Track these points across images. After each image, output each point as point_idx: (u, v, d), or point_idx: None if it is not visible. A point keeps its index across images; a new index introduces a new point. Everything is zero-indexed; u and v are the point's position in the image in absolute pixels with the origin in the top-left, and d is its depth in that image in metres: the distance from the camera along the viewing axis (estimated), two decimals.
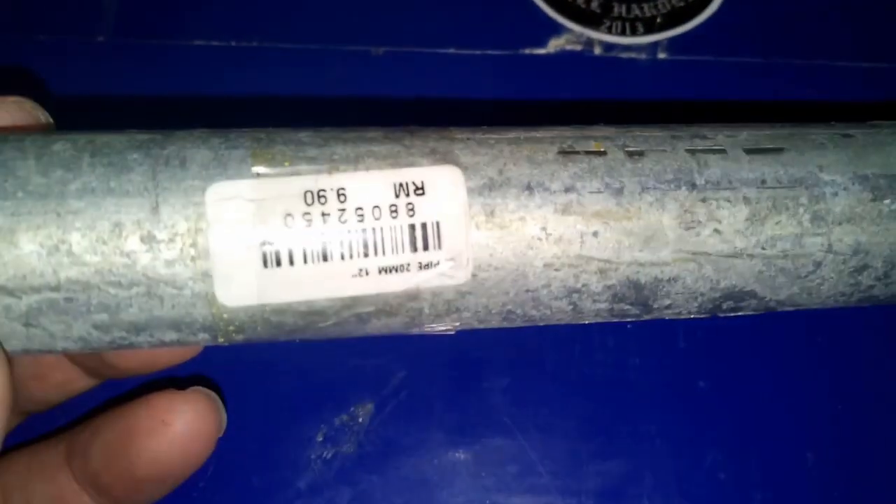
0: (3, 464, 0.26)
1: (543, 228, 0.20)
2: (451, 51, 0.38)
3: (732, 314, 0.23)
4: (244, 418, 0.29)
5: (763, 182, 0.21)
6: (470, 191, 0.20)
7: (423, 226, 0.19)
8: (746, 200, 0.21)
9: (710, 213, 0.21)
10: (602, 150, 0.21)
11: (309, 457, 0.30)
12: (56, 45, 0.38)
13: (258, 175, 0.19)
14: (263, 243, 0.18)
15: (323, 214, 0.19)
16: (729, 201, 0.21)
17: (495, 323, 0.21)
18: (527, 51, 0.39)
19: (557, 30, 0.39)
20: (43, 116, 0.22)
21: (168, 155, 0.19)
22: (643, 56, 0.39)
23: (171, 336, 0.19)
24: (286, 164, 0.19)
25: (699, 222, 0.21)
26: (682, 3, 0.40)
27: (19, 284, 0.18)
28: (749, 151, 0.21)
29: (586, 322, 0.22)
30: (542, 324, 0.22)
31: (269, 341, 0.20)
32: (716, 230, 0.21)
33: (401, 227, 0.19)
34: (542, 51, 0.39)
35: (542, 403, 0.32)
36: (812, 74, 0.38)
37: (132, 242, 0.18)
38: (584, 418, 0.32)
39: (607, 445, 0.31)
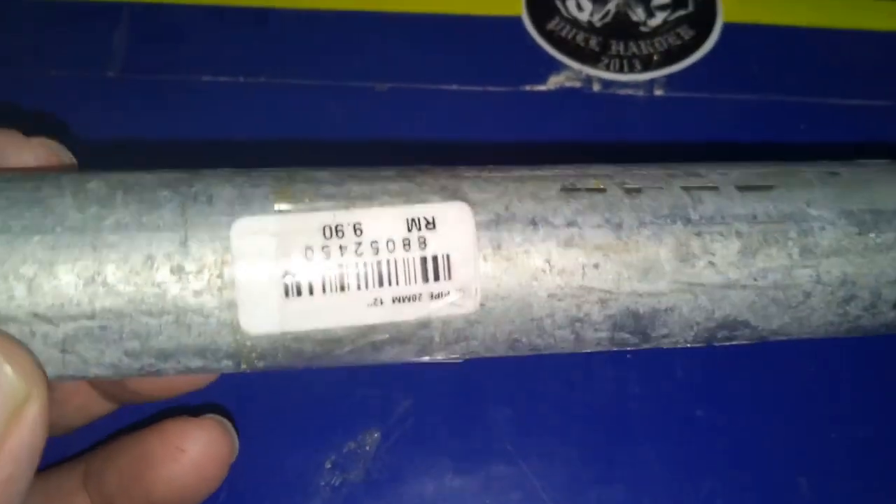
0: None
1: (547, 261, 0.21)
2: (454, 87, 0.39)
3: (727, 343, 0.23)
4: (255, 446, 0.30)
5: (754, 217, 0.22)
6: (478, 225, 0.21)
7: (434, 258, 0.20)
8: (738, 234, 0.22)
9: (704, 246, 0.22)
10: (602, 187, 0.22)
11: (318, 483, 0.31)
12: (65, 80, 0.38)
13: (280, 211, 0.20)
14: (285, 274, 0.19)
15: (340, 247, 0.20)
16: (722, 235, 0.22)
17: (501, 351, 0.22)
18: (527, 87, 0.40)
19: (557, 67, 0.40)
20: (66, 157, 0.23)
21: (196, 192, 0.20)
22: (640, 93, 0.40)
23: (196, 363, 0.20)
24: (306, 200, 0.20)
25: (694, 255, 0.22)
26: (678, 42, 0.41)
27: (57, 313, 0.19)
28: (741, 189, 0.22)
29: (588, 351, 0.23)
30: (546, 352, 0.22)
31: (289, 368, 0.21)
32: (710, 262, 0.22)
33: (413, 260, 0.20)
34: (542, 87, 0.40)
35: (544, 431, 0.33)
36: (806, 111, 0.40)
37: (163, 274, 0.19)
38: (584, 446, 0.32)
39: (607, 472, 0.32)
